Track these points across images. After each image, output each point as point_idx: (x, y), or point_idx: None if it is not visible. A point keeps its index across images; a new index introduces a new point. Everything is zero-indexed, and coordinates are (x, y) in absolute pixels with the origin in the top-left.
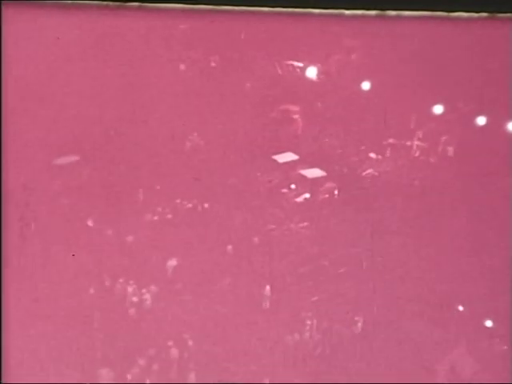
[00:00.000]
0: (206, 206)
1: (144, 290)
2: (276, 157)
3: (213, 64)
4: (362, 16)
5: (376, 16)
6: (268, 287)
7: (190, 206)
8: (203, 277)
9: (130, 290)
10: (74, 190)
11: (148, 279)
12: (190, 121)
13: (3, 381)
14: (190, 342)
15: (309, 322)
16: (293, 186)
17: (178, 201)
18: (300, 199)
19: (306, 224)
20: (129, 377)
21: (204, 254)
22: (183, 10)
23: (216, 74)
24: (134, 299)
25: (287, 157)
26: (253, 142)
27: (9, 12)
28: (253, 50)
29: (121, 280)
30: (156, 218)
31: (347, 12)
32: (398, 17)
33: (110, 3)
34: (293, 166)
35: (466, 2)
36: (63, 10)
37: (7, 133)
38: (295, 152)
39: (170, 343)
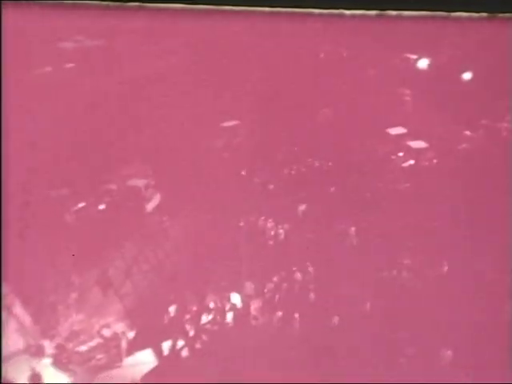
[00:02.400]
0: (330, 164)
1: (279, 226)
2: (389, 130)
3: (344, 54)
4: (362, 16)
5: (376, 16)
6: (373, 234)
7: (317, 164)
8: (324, 220)
9: (269, 225)
10: (234, 146)
11: (283, 218)
12: (321, 98)
13: (3, 381)
14: (311, 269)
15: (405, 262)
16: (400, 154)
17: (310, 159)
18: (405, 165)
19: (408, 185)
20: (265, 290)
21: (326, 203)
22: (183, 10)
23: (345, 63)
24: (272, 233)
25: (398, 130)
26: (372, 116)
27: (9, 12)
28: (375, 44)
29: (262, 218)
30: (293, 172)
31: (347, 12)
32: (398, 17)
33: (110, 3)
34: (402, 137)
35: (466, 2)
36: (63, 9)
37: (7, 132)
38: (404, 126)
39: (295, 268)
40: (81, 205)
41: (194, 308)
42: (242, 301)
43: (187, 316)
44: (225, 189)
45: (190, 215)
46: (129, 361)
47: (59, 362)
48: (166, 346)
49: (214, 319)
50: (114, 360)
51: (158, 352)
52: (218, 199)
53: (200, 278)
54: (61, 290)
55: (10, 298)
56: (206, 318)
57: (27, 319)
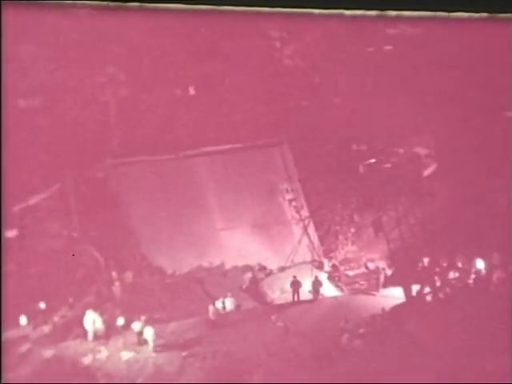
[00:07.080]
0: None
1: None
2: None
3: None
4: (362, 16)
5: (376, 16)
6: None
7: None
8: None
9: None
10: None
11: None
12: None
13: (3, 381)
14: None
15: None
16: None
17: None
18: None
19: None
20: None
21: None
22: (183, 10)
23: None
24: None
25: None
26: None
27: (9, 12)
28: None
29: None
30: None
31: (347, 12)
32: (398, 17)
33: (110, 3)
34: None
35: (466, 2)
36: (63, 10)
37: (7, 132)
38: None
39: None
40: (372, 160)
41: (445, 264)
42: (486, 268)
43: (437, 269)
44: (484, 171)
45: (456, 185)
46: (383, 292)
47: (332, 279)
48: (415, 288)
49: (459, 277)
50: (372, 288)
51: (408, 292)
52: (478, 178)
53: (453, 240)
54: (344, 223)
55: (307, 222)
56: (452, 275)
57: (316, 240)
